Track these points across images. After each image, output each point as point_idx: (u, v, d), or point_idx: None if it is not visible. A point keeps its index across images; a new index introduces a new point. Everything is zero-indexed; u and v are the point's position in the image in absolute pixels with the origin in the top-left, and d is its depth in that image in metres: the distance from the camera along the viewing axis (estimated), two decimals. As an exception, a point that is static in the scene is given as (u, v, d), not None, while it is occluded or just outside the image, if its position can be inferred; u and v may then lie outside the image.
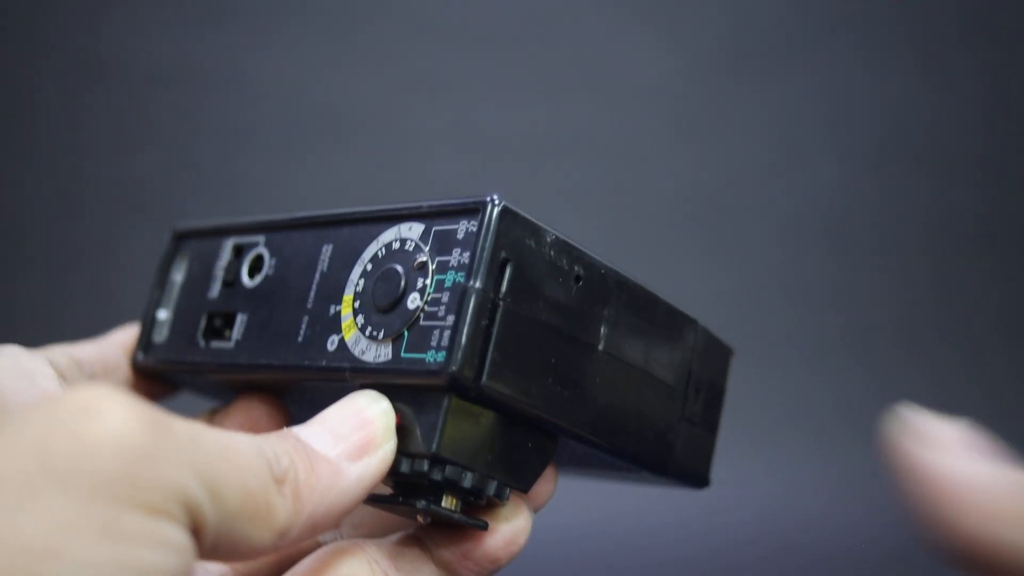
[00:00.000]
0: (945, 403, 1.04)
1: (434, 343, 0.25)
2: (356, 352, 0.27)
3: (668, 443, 0.31)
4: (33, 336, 0.91)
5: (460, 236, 0.26)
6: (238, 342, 0.32)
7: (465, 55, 0.92)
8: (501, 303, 0.25)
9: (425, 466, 0.25)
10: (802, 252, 0.96)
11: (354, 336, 0.27)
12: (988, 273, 0.98)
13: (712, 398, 0.33)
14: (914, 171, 0.97)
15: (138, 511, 0.19)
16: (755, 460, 0.91)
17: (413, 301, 0.26)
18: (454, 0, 0.93)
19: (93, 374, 0.32)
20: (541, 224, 0.27)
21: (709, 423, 0.33)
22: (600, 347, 0.28)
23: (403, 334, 0.26)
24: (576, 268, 0.28)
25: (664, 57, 0.94)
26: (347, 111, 0.92)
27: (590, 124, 0.94)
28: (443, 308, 0.26)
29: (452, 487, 0.26)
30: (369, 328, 0.27)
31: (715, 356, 0.34)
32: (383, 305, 0.27)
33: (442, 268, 0.26)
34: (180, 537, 0.19)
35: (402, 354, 0.26)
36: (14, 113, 0.91)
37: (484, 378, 0.25)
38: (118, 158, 0.91)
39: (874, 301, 0.97)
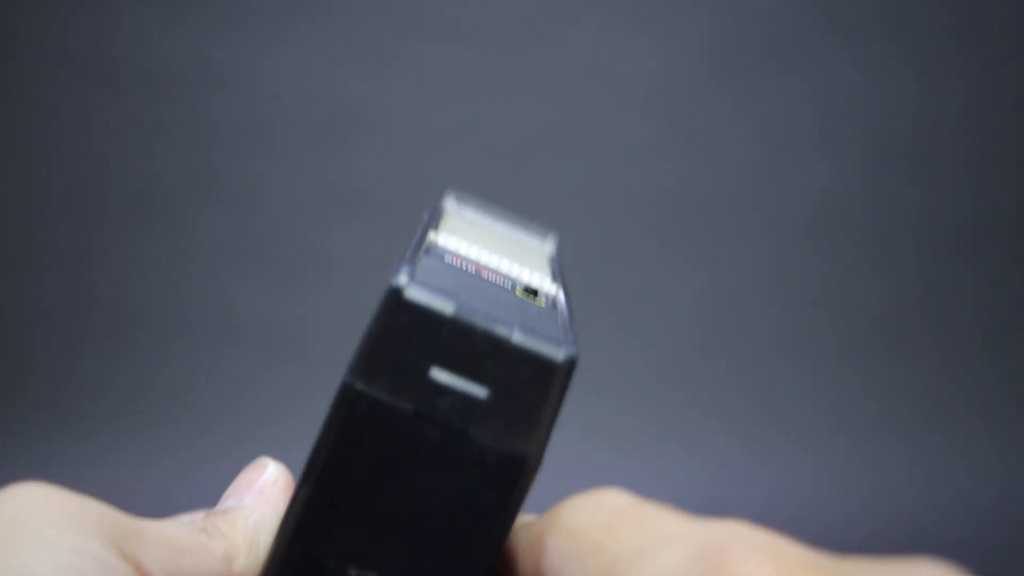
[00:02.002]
0: (941, 402, 1.05)
1: None
2: None
3: None
4: (35, 338, 0.91)
5: None
6: None
7: (465, 54, 0.93)
8: None
9: None
10: (796, 251, 0.97)
11: None
12: (982, 271, 0.98)
13: None
14: (910, 170, 0.97)
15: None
16: (754, 459, 0.92)
17: None
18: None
19: None
20: None
21: None
22: None
23: None
24: None
25: (653, 56, 0.94)
26: (358, 111, 0.92)
27: (580, 124, 0.94)
28: None
29: None
30: None
31: None
32: None
33: None
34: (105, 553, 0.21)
35: None
36: (24, 114, 0.91)
37: None
38: (125, 159, 0.91)
39: (866, 300, 0.97)
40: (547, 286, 0.27)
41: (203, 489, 0.83)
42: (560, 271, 0.30)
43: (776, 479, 0.91)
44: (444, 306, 0.22)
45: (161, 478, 0.84)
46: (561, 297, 0.27)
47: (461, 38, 0.92)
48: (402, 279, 0.22)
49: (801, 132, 0.96)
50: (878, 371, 0.96)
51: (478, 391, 0.22)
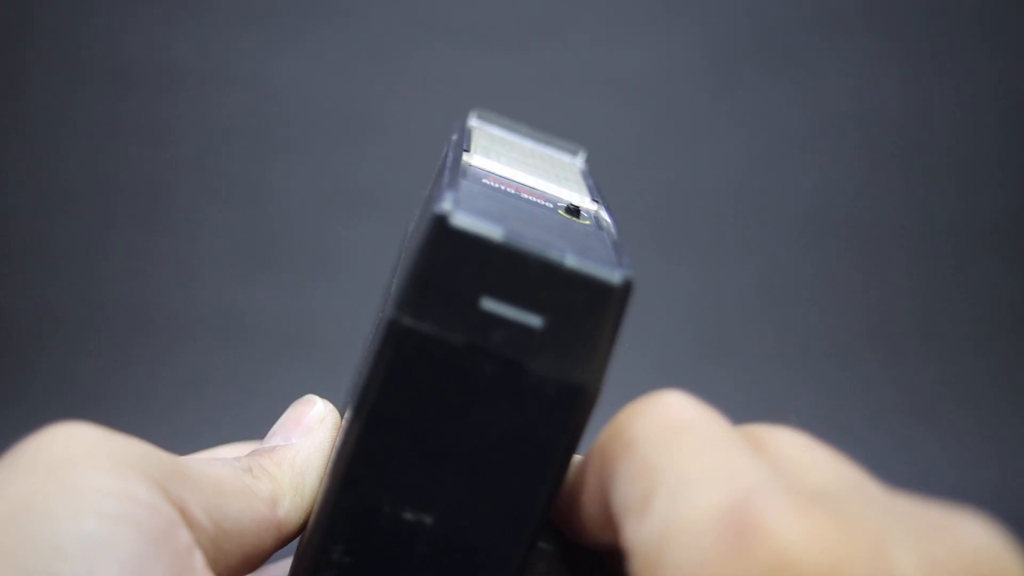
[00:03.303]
0: (942, 402, 1.04)
1: None
2: None
3: None
4: (33, 338, 0.91)
5: None
6: None
7: (465, 53, 0.93)
8: None
9: None
10: (788, 251, 0.96)
11: None
12: (975, 271, 0.97)
13: None
14: (904, 170, 0.97)
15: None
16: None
17: None
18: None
19: None
20: None
21: None
22: None
23: None
24: None
25: (681, 50, 0.94)
26: (354, 110, 0.92)
27: (584, 122, 0.94)
28: None
29: None
30: None
31: None
32: None
33: None
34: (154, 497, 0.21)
35: None
36: (11, 113, 0.92)
37: None
38: (121, 158, 0.92)
39: (858, 299, 0.97)
40: (588, 204, 0.26)
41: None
42: (596, 187, 0.29)
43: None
44: (493, 232, 0.20)
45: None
46: (604, 214, 0.26)
47: (463, 38, 0.93)
48: (446, 205, 0.20)
49: (795, 132, 0.95)
50: (870, 370, 0.96)
51: (532, 320, 0.21)
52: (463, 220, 0.20)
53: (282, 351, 0.91)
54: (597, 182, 0.30)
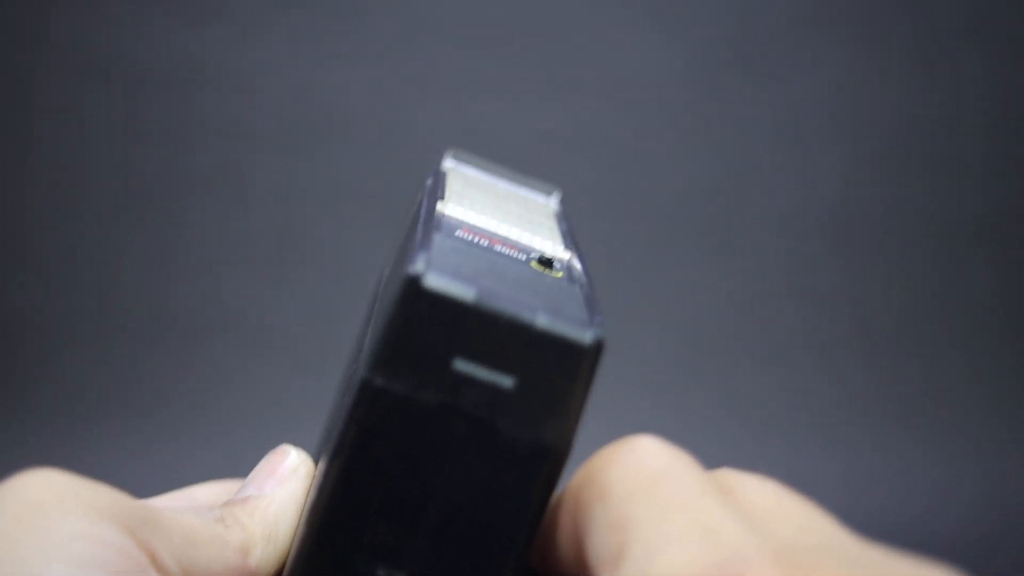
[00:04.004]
0: (946, 401, 1.05)
1: None
2: None
3: None
4: (30, 338, 0.91)
5: None
6: None
7: (464, 52, 0.92)
8: None
9: None
10: (804, 250, 0.96)
11: None
12: (990, 271, 0.98)
13: None
14: (917, 169, 0.97)
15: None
16: (759, 458, 0.91)
17: None
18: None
19: None
20: None
21: None
22: None
23: None
24: None
25: (664, 53, 0.94)
26: (349, 108, 0.92)
27: (589, 122, 0.94)
28: None
29: None
30: None
31: None
32: None
33: None
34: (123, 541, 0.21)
35: None
36: (12, 112, 0.91)
37: None
38: (118, 158, 0.91)
39: (876, 299, 0.97)
40: (560, 253, 0.26)
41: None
42: (570, 232, 0.29)
43: (791, 473, 0.90)
44: (465, 293, 0.21)
45: (150, 476, 0.84)
46: (576, 264, 0.26)
47: (462, 33, 0.92)
48: (419, 266, 0.21)
49: (777, 135, 0.95)
50: (852, 372, 0.96)
51: (504, 380, 0.21)
52: (435, 281, 0.20)
53: (265, 349, 0.91)
54: (571, 225, 0.30)
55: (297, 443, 0.27)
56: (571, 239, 0.28)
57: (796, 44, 0.95)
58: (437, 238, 0.23)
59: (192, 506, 0.25)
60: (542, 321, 0.21)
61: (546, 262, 0.25)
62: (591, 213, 0.93)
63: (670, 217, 0.95)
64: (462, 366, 0.21)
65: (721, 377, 0.94)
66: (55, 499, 0.21)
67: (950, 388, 0.96)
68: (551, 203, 0.33)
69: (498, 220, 0.27)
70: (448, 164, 0.32)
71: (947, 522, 0.87)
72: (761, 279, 0.96)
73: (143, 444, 0.87)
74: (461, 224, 0.26)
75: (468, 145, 0.92)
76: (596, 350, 0.21)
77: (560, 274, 0.25)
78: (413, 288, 0.20)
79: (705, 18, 0.94)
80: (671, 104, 0.95)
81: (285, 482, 0.26)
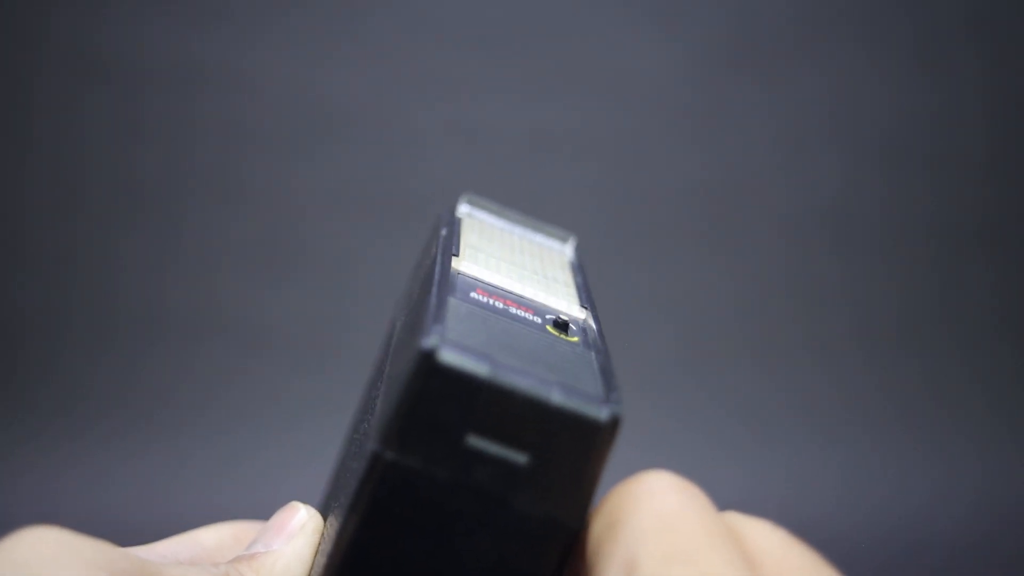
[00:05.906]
0: (947, 401, 1.05)
1: None
2: None
3: None
4: (30, 338, 0.91)
5: None
6: None
7: (464, 52, 0.92)
8: None
9: None
10: (804, 250, 0.96)
11: None
12: (990, 271, 0.98)
13: None
14: (917, 169, 0.97)
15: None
16: (760, 457, 0.91)
17: None
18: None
19: None
20: None
21: None
22: None
23: None
24: None
25: (664, 53, 0.94)
26: (349, 109, 0.92)
27: (590, 122, 0.94)
28: None
29: None
30: None
31: None
32: None
33: None
34: None
35: None
36: (12, 112, 0.91)
37: None
38: (117, 158, 0.91)
39: (876, 299, 0.97)
40: (576, 311, 0.26)
41: (192, 488, 0.83)
42: (585, 285, 0.29)
43: (791, 475, 0.90)
44: (479, 368, 0.20)
45: (150, 476, 0.84)
46: (591, 323, 0.26)
47: (462, 33, 0.92)
48: (433, 340, 0.20)
49: (776, 134, 0.95)
50: (852, 371, 0.96)
51: (518, 457, 0.20)
52: (449, 356, 0.20)
53: (265, 352, 0.91)
54: (586, 277, 0.30)
55: (295, 447, 0.27)
56: (586, 294, 0.28)
57: (796, 44, 0.95)
58: (452, 303, 0.23)
59: (198, 554, 0.25)
60: (557, 398, 0.20)
61: (562, 325, 0.25)
62: (591, 213, 0.93)
63: (670, 217, 0.95)
64: (475, 442, 0.21)
65: (721, 377, 0.94)
66: (52, 557, 0.20)
67: (950, 388, 0.96)
68: (567, 251, 0.32)
69: (513, 278, 0.27)
70: (463, 210, 0.32)
71: (947, 522, 0.87)
72: (761, 279, 0.96)
73: (143, 444, 0.87)
74: (476, 284, 0.25)
75: (467, 145, 0.93)
76: (612, 427, 0.21)
77: (576, 339, 0.24)
78: (427, 363, 0.20)
79: (705, 18, 0.94)
80: (671, 104, 0.95)
81: (293, 539, 0.25)
